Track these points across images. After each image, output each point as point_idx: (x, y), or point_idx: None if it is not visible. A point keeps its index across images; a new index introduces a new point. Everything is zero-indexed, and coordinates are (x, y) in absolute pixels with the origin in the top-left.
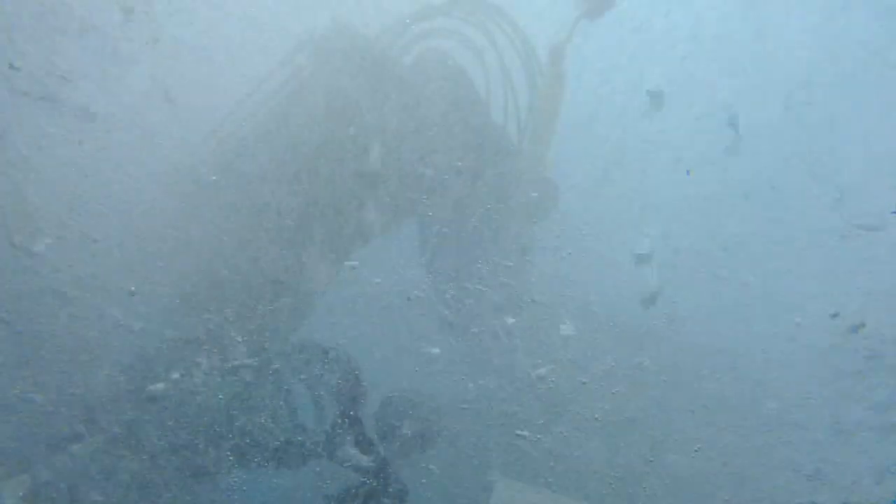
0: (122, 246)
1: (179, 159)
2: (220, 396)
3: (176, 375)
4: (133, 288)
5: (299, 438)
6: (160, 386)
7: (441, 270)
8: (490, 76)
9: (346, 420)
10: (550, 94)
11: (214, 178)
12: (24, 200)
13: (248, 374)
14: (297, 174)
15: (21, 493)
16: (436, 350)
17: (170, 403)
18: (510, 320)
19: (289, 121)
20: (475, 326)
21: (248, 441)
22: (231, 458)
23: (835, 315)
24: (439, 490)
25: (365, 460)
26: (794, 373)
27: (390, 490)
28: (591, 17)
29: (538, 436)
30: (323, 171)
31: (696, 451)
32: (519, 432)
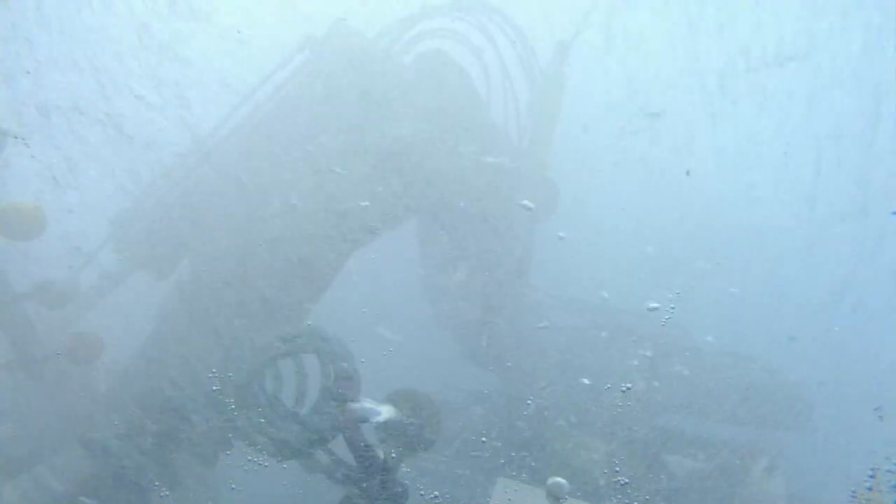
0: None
1: (180, 156)
2: (216, 388)
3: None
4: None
5: (299, 438)
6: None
7: (441, 269)
8: (490, 76)
9: (346, 419)
10: (550, 94)
11: (216, 175)
12: None
13: (252, 370)
14: (298, 173)
15: (21, 493)
16: (435, 349)
17: (174, 394)
18: (510, 319)
19: (289, 119)
20: (475, 325)
21: (249, 438)
22: (231, 452)
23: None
24: (439, 490)
25: (365, 460)
26: None
27: (390, 490)
28: None
29: (539, 435)
30: (323, 170)
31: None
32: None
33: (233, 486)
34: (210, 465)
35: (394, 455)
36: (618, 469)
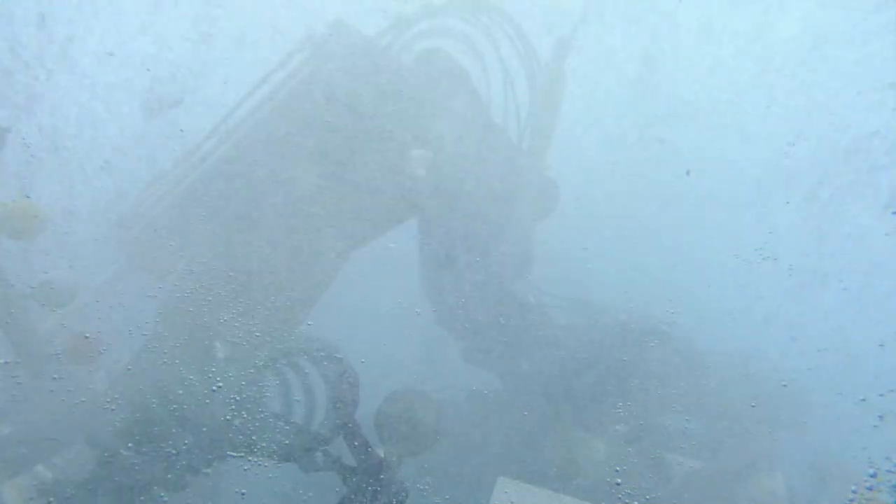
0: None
1: (181, 156)
2: (216, 388)
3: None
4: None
5: (299, 439)
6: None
7: (440, 269)
8: (490, 76)
9: (346, 420)
10: (550, 94)
11: (216, 175)
12: None
13: (252, 370)
14: (297, 173)
15: (21, 493)
16: (435, 350)
17: (171, 399)
18: (510, 319)
19: (289, 120)
20: (475, 325)
21: (248, 439)
22: (231, 453)
23: None
24: (439, 490)
25: (365, 460)
26: None
27: (390, 490)
28: None
29: (539, 435)
30: (323, 170)
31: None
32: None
33: (233, 488)
34: (209, 467)
35: (394, 455)
36: (617, 469)
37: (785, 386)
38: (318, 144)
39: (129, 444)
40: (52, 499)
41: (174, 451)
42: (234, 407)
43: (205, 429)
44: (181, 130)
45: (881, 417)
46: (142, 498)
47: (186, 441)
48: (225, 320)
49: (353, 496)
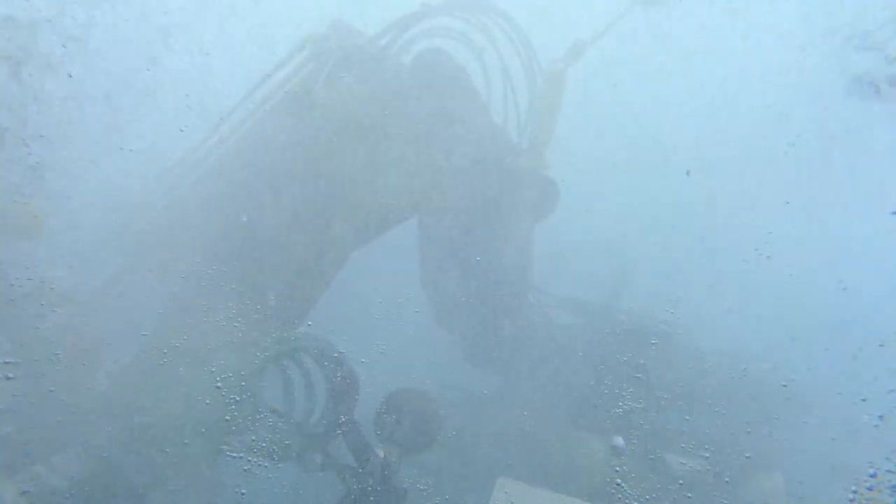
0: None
1: (181, 156)
2: (216, 388)
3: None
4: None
5: (299, 439)
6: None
7: (440, 269)
8: (490, 76)
9: (346, 419)
10: (550, 94)
11: (216, 175)
12: None
13: (251, 370)
14: (297, 173)
15: (21, 493)
16: (435, 349)
17: (170, 395)
18: (510, 319)
19: (288, 120)
20: (475, 325)
21: (248, 439)
22: (231, 452)
23: None
24: (439, 490)
25: (365, 460)
26: None
27: (390, 490)
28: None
29: (539, 435)
30: (323, 170)
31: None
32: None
33: (233, 488)
34: (209, 467)
35: (394, 455)
36: (617, 469)
37: (785, 386)
38: (318, 144)
39: (129, 444)
40: (52, 499)
41: (174, 452)
42: (234, 407)
43: (205, 429)
44: (181, 130)
45: (881, 417)
46: (142, 498)
47: (186, 442)
48: (224, 321)
49: (352, 496)
